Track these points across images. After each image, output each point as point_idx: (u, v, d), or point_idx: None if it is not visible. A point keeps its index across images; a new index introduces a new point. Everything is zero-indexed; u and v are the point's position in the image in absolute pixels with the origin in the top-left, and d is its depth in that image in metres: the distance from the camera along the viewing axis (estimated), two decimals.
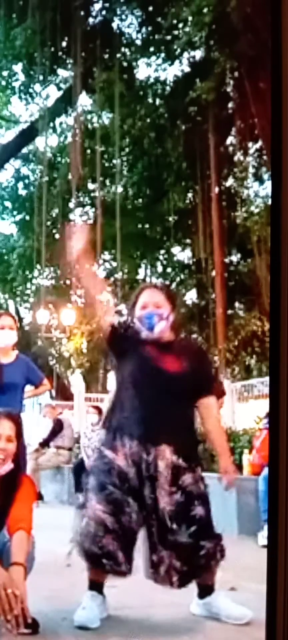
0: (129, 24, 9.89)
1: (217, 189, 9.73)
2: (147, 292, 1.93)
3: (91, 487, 1.77)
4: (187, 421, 1.85)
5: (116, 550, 1.67)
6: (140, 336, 1.86)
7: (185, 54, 9.50)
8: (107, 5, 9.79)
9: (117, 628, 1.68)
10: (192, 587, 1.77)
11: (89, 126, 10.94)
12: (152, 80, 10.18)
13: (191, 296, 11.42)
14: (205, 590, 1.78)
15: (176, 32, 8.99)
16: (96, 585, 1.77)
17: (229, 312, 9.90)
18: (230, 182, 10.49)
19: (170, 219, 11.06)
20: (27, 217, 11.34)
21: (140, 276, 12.22)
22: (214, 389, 1.99)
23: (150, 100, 10.25)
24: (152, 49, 9.81)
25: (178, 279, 11.71)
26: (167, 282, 11.90)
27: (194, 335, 10.60)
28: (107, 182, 11.08)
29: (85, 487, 1.82)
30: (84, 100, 10.76)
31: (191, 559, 1.71)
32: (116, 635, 1.64)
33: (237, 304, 10.75)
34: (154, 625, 1.73)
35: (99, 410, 5.34)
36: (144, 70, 10.22)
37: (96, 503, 1.71)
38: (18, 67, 10.57)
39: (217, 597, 1.76)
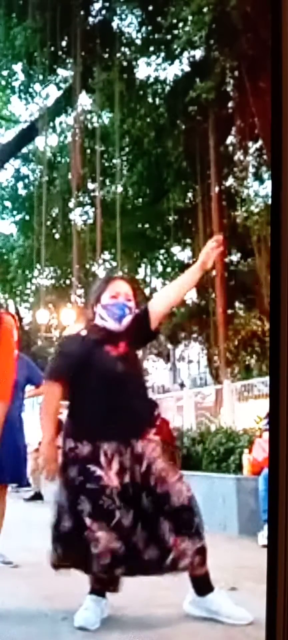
0: (128, 24, 9.89)
1: (217, 189, 9.72)
2: (118, 283, 1.93)
3: (88, 511, 1.69)
4: (147, 393, 1.90)
5: (122, 569, 1.68)
6: (95, 329, 1.84)
7: (185, 54, 9.49)
8: (106, 4, 9.79)
9: (117, 628, 1.68)
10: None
11: (89, 126, 10.93)
12: (152, 79, 10.17)
13: (191, 296, 11.42)
14: (204, 587, 1.75)
15: (176, 32, 8.98)
16: (98, 590, 1.77)
17: (229, 311, 9.89)
18: (230, 181, 10.49)
19: (170, 218, 11.05)
20: (27, 217, 11.34)
21: (140, 276, 12.22)
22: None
23: (150, 99, 10.24)
24: (152, 48, 9.80)
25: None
26: (167, 282, 11.91)
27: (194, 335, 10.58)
28: (107, 181, 11.07)
29: (75, 508, 1.73)
30: (84, 100, 10.77)
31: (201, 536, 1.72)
32: (116, 635, 1.64)
33: (237, 304, 10.75)
34: (154, 625, 1.72)
35: None
36: (144, 69, 10.22)
37: (100, 529, 1.66)
38: (18, 67, 10.57)
39: (218, 597, 1.74)
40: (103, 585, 1.73)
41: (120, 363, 1.78)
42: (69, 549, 1.72)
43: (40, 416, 1.99)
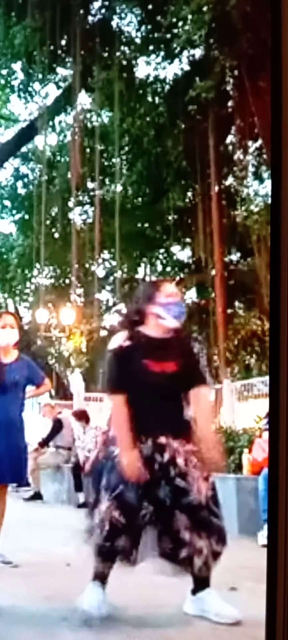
0: (128, 23, 9.87)
1: (216, 188, 9.72)
2: (171, 286, 2.07)
3: (103, 486, 1.83)
4: (185, 413, 1.94)
5: (127, 545, 1.75)
6: (139, 340, 1.92)
7: (185, 53, 9.48)
8: (106, 3, 9.77)
9: (118, 628, 1.68)
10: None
11: (89, 125, 10.92)
12: (151, 78, 10.16)
13: (191, 295, 11.42)
14: (201, 585, 1.79)
15: (176, 31, 8.97)
16: (101, 578, 1.83)
17: (229, 311, 9.89)
18: (230, 180, 10.48)
19: (170, 217, 11.04)
20: (26, 216, 11.32)
21: (140, 275, 12.21)
22: (202, 379, 2.04)
23: (149, 98, 10.23)
24: (151, 47, 9.79)
25: (177, 278, 11.70)
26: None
27: (194, 335, 10.55)
28: (107, 180, 11.06)
29: (95, 485, 1.88)
30: (84, 99, 10.75)
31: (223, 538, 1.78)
32: (116, 635, 1.64)
33: (236, 303, 10.75)
34: (154, 624, 1.72)
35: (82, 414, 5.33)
36: (144, 68, 10.20)
37: (109, 502, 1.76)
38: (17, 66, 10.55)
39: (209, 595, 1.77)
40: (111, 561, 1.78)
41: (161, 379, 1.86)
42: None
43: (113, 428, 2.02)
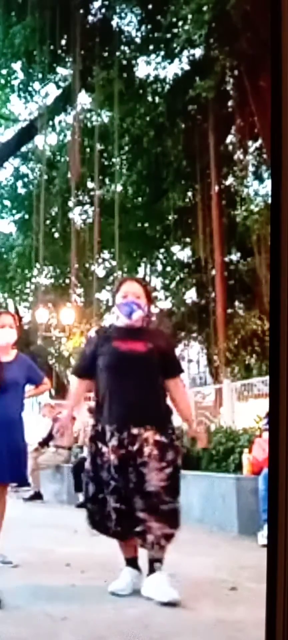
0: (128, 22, 9.87)
1: (216, 188, 9.72)
2: (128, 283, 2.22)
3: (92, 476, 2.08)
4: (160, 398, 2.11)
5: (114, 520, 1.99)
6: (112, 328, 2.16)
7: (185, 52, 9.48)
8: (106, 3, 9.77)
9: (118, 628, 1.68)
10: (193, 587, 1.76)
11: (88, 124, 10.92)
12: (151, 78, 10.16)
13: (191, 295, 11.42)
14: (152, 566, 1.98)
15: (176, 30, 8.97)
16: (130, 561, 2.06)
17: (229, 311, 9.89)
18: (230, 180, 10.48)
19: (170, 217, 11.04)
20: (26, 216, 11.33)
21: (140, 275, 12.21)
22: (180, 370, 2.25)
23: (149, 98, 10.23)
24: (151, 47, 9.79)
25: (177, 277, 11.70)
26: (167, 281, 11.90)
27: (194, 335, 10.58)
28: (107, 180, 11.06)
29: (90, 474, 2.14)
30: (83, 99, 10.75)
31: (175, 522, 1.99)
32: (117, 635, 1.64)
33: (236, 303, 10.75)
34: (154, 624, 1.72)
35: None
36: (144, 68, 10.21)
37: (103, 492, 1.99)
38: (17, 65, 10.55)
39: (154, 575, 1.95)
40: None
41: (129, 358, 2.06)
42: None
43: (68, 397, 2.34)
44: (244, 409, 5.96)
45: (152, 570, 1.98)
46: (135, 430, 1.95)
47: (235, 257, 10.98)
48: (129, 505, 1.94)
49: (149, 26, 9.55)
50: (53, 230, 11.21)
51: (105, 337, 2.15)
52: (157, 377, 2.08)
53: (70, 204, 10.78)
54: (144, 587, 1.98)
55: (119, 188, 10.74)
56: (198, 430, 2.43)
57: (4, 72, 10.81)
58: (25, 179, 11.82)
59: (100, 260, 11.44)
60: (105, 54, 9.82)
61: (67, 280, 11.32)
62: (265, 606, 0.95)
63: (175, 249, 11.68)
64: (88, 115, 11.00)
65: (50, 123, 11.04)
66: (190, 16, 8.34)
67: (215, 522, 3.64)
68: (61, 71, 10.49)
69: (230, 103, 9.57)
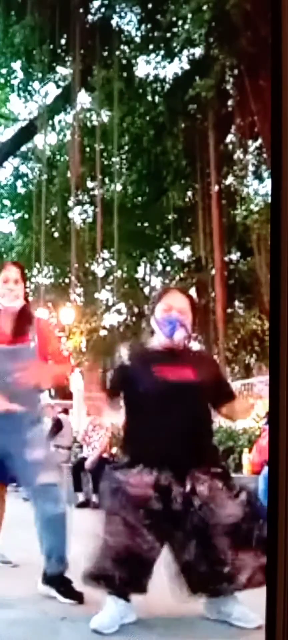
0: (128, 22, 9.87)
1: (216, 187, 9.72)
2: (173, 295, 1.84)
3: (103, 509, 1.68)
4: (212, 433, 1.82)
5: (129, 575, 1.61)
6: (149, 348, 1.79)
7: (185, 52, 9.48)
8: (106, 2, 9.76)
9: (123, 630, 1.67)
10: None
11: (88, 124, 10.91)
12: (151, 77, 10.16)
13: (191, 295, 11.40)
14: (217, 590, 1.70)
15: (175, 30, 8.97)
16: (117, 591, 1.68)
17: (229, 310, 9.90)
18: (229, 180, 10.48)
19: (170, 217, 11.04)
20: (26, 216, 11.32)
21: (140, 275, 12.22)
22: (233, 395, 1.90)
23: (149, 97, 10.23)
24: (151, 46, 9.78)
25: (177, 277, 11.70)
26: (167, 281, 11.90)
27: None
28: (106, 180, 11.06)
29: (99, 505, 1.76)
30: (83, 98, 10.75)
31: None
32: (118, 635, 1.63)
33: (236, 303, 10.75)
34: (155, 624, 1.72)
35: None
36: (143, 67, 10.20)
37: (109, 529, 1.62)
38: (17, 65, 10.54)
39: (228, 599, 1.70)
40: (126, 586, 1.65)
41: (177, 387, 1.68)
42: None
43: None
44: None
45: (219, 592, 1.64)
46: (185, 473, 1.61)
47: (235, 256, 10.98)
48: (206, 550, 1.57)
49: (149, 25, 9.54)
50: (53, 229, 11.20)
51: (142, 359, 1.76)
52: (208, 408, 1.76)
53: (70, 203, 10.78)
54: (212, 607, 1.67)
55: (119, 187, 10.75)
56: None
57: (4, 71, 10.80)
58: (25, 179, 11.81)
59: (100, 260, 11.44)
60: (105, 54, 9.81)
61: (67, 280, 11.32)
62: (265, 606, 0.95)
63: (175, 248, 11.69)
64: (88, 114, 11.00)
65: (50, 122, 11.03)
66: (190, 15, 8.34)
67: None
68: (61, 70, 10.49)
69: (230, 102, 9.57)
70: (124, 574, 1.62)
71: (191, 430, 1.67)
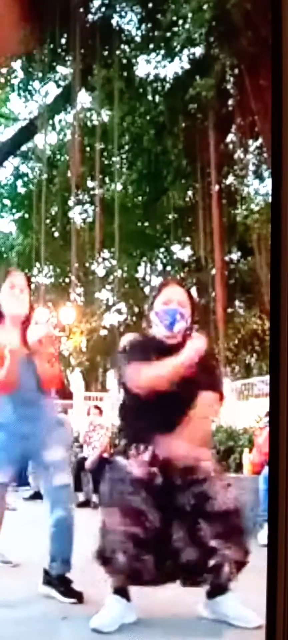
0: (128, 21, 9.86)
1: (217, 187, 9.71)
2: (171, 288, 1.85)
3: (109, 498, 1.68)
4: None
5: (140, 561, 1.60)
6: (149, 337, 1.81)
7: (185, 51, 9.47)
8: (106, 1, 9.76)
9: (125, 630, 1.67)
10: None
11: (88, 123, 10.91)
12: (151, 77, 10.15)
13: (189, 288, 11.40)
14: (215, 591, 1.71)
15: (176, 29, 8.96)
16: (119, 590, 1.68)
17: (229, 310, 9.89)
18: (230, 179, 10.48)
19: (170, 216, 11.04)
20: (26, 215, 11.32)
21: (140, 274, 12.21)
22: (217, 387, 1.88)
23: (149, 97, 10.23)
24: (151, 45, 9.78)
25: (178, 277, 11.70)
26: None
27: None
28: (107, 179, 11.05)
29: (100, 498, 1.78)
30: (83, 98, 10.74)
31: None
32: (118, 635, 1.63)
33: (237, 303, 10.75)
34: (156, 624, 1.72)
35: (100, 410, 5.34)
36: (144, 67, 10.19)
37: (116, 514, 1.61)
38: (17, 64, 10.54)
39: (227, 599, 1.70)
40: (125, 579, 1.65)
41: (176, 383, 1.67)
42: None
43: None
44: (244, 409, 5.96)
45: (218, 591, 1.65)
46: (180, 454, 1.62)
47: (235, 256, 10.98)
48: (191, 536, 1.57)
49: (149, 25, 9.54)
50: (53, 229, 11.20)
51: (142, 348, 1.77)
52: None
53: (70, 203, 10.78)
54: (211, 607, 1.66)
55: (119, 187, 10.74)
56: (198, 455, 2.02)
57: (4, 70, 10.79)
58: (25, 178, 11.81)
59: (100, 260, 11.44)
60: (105, 53, 9.80)
61: (67, 280, 11.32)
62: (265, 606, 0.95)
63: (175, 248, 11.69)
64: (88, 114, 10.99)
65: (50, 122, 11.03)
66: (190, 15, 8.33)
67: None
68: (61, 70, 10.48)
69: (230, 102, 9.56)
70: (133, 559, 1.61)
71: (184, 421, 1.67)
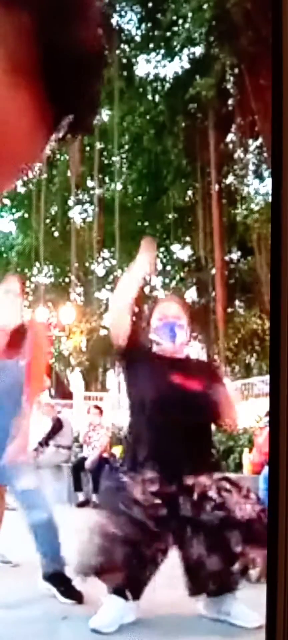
0: (128, 20, 9.86)
1: (217, 187, 9.72)
2: (164, 304, 1.88)
3: (105, 507, 1.69)
4: (210, 442, 1.85)
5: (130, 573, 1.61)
6: (154, 352, 1.79)
7: (185, 51, 9.48)
8: (106, 1, 9.75)
9: (126, 630, 1.66)
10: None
11: None
12: (151, 76, 10.16)
13: (191, 294, 11.42)
14: (221, 588, 1.72)
15: (176, 29, 8.97)
16: (116, 590, 1.67)
17: (229, 310, 9.90)
18: (230, 179, 10.48)
19: (170, 216, 11.04)
20: (26, 215, 11.32)
21: None
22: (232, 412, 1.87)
23: (149, 97, 10.23)
24: (151, 45, 9.78)
25: (178, 276, 11.70)
26: (167, 280, 11.91)
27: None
28: (107, 179, 11.05)
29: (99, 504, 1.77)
30: None
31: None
32: (117, 635, 1.63)
33: (237, 302, 10.75)
34: (157, 624, 1.72)
35: (100, 410, 5.34)
36: (144, 66, 10.20)
37: (110, 525, 1.60)
38: None
39: (227, 598, 1.70)
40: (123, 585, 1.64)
41: (184, 397, 1.68)
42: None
43: None
44: (244, 409, 5.95)
45: (219, 591, 1.64)
46: (189, 481, 1.61)
47: (235, 256, 10.98)
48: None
49: (149, 24, 9.54)
50: (53, 229, 11.20)
51: (149, 365, 1.75)
52: (208, 417, 1.75)
53: (70, 202, 10.78)
54: (211, 606, 1.67)
55: (119, 187, 10.74)
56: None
57: None
58: (25, 178, 11.80)
59: (100, 259, 11.43)
60: (105, 52, 9.80)
61: (67, 279, 11.32)
62: (265, 606, 0.95)
63: (175, 247, 11.69)
64: None
65: None
66: (190, 14, 8.33)
67: None
68: None
69: (230, 101, 9.56)
70: (123, 573, 1.63)
71: (193, 436, 1.68)
